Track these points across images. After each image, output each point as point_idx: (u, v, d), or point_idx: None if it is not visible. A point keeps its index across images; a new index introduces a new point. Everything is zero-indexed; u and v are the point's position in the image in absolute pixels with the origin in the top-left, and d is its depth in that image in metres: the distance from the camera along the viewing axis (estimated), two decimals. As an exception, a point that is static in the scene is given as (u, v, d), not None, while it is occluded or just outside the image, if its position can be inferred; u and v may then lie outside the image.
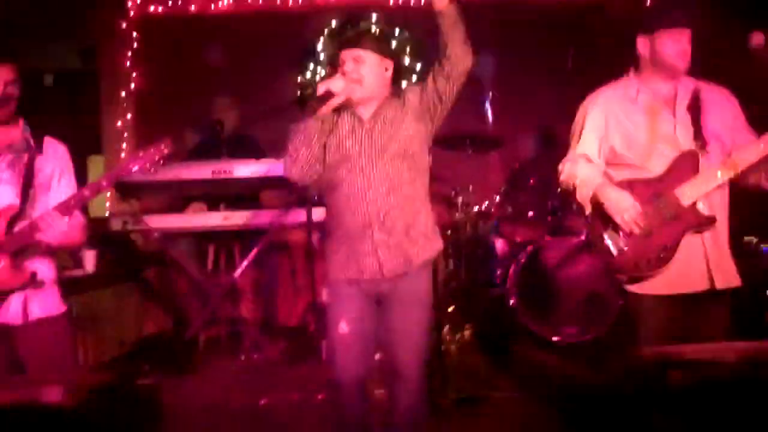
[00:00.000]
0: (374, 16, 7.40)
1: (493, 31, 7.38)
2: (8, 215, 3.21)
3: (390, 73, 3.51)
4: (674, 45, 3.46)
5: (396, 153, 3.40)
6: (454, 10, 3.30)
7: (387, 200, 3.37)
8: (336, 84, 3.34)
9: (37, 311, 3.30)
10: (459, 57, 3.36)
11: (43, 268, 3.35)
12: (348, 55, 3.42)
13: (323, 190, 3.59)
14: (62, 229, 3.18)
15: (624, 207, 3.39)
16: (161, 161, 3.27)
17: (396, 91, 3.55)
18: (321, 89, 3.32)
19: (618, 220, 3.40)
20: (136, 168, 3.24)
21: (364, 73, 3.40)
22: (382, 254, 3.37)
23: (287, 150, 3.42)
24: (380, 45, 3.49)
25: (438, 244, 3.54)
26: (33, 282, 3.25)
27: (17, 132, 3.36)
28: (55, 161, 3.42)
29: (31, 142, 3.36)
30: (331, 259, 3.49)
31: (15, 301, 3.25)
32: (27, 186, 3.29)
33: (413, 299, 3.44)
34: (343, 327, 3.39)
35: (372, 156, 3.39)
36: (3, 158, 3.30)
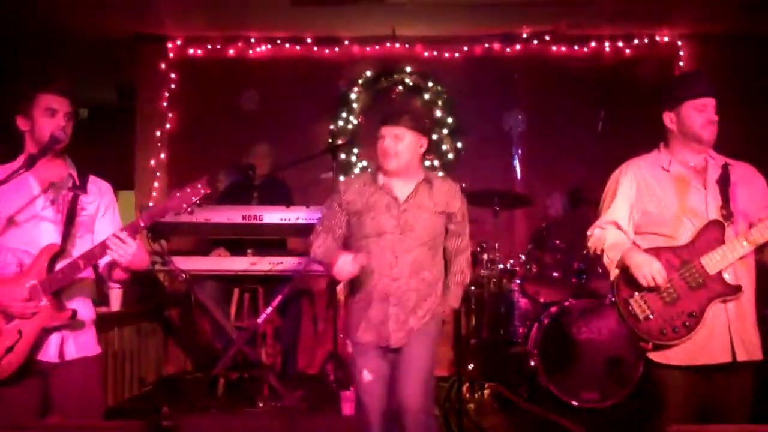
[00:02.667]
0: (408, 68, 7.48)
1: (524, 89, 7.47)
2: (50, 254, 3.23)
3: (424, 149, 3.91)
4: (699, 115, 3.50)
5: (423, 239, 3.80)
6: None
7: (408, 281, 3.77)
8: (348, 271, 3.72)
9: (72, 351, 3.31)
10: None
11: (83, 309, 3.37)
12: (389, 131, 3.82)
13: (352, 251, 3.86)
14: (133, 250, 3.20)
15: (649, 270, 3.38)
16: (198, 201, 3.27)
17: (429, 176, 3.92)
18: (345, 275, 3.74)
19: (643, 282, 3.38)
20: (174, 205, 3.24)
21: (401, 148, 3.80)
22: (392, 326, 3.76)
23: (312, 250, 3.97)
24: (418, 124, 3.87)
25: (439, 316, 3.91)
26: (74, 320, 3.27)
27: (63, 169, 3.41)
28: (99, 200, 3.46)
29: (76, 180, 3.41)
30: (352, 320, 3.90)
31: (53, 340, 3.27)
32: (69, 224, 3.32)
33: (420, 345, 3.80)
34: (367, 375, 3.78)
35: (404, 237, 3.78)
36: (47, 195, 3.33)
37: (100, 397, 3.51)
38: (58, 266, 3.24)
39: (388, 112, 3.96)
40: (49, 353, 3.26)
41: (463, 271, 4.03)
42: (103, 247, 3.20)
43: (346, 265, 3.68)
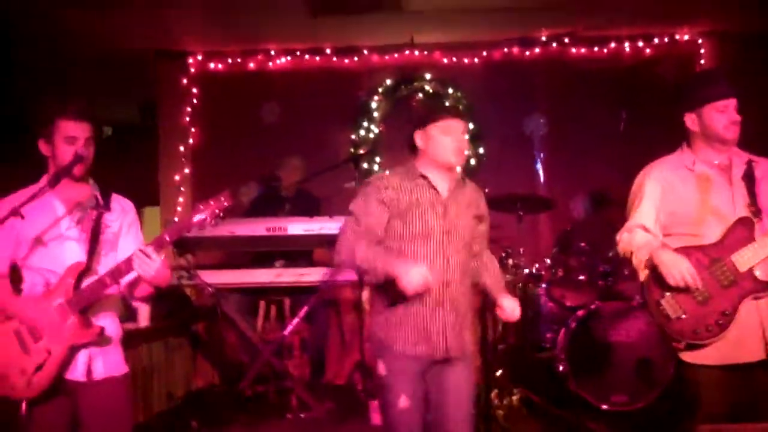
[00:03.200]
0: (427, 75, 7.49)
1: (544, 92, 7.46)
2: (76, 272, 3.26)
3: None
4: (721, 117, 3.49)
5: (465, 239, 3.51)
6: None
7: (459, 286, 3.45)
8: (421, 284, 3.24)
9: (101, 370, 3.33)
10: None
11: (110, 326, 3.39)
12: (461, 125, 3.49)
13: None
14: (157, 265, 3.20)
15: (679, 268, 3.36)
16: (222, 214, 3.27)
17: (461, 175, 3.68)
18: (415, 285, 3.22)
19: (672, 281, 3.37)
20: (197, 219, 3.24)
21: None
22: (450, 335, 3.42)
23: (348, 257, 3.41)
24: None
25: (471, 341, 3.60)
26: (101, 338, 3.29)
27: (87, 189, 3.44)
28: (122, 217, 3.49)
29: (99, 199, 3.44)
30: (395, 332, 3.44)
31: (80, 359, 3.29)
32: (94, 243, 3.35)
33: (468, 371, 3.54)
34: (404, 401, 3.37)
35: (451, 237, 3.45)
36: (73, 216, 3.37)
37: (128, 417, 3.52)
38: (85, 284, 3.27)
39: (444, 105, 3.64)
40: (77, 372, 3.29)
41: (494, 260, 3.80)
42: (128, 263, 3.22)
43: (418, 277, 3.20)
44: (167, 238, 3.27)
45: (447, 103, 7.33)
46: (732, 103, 3.50)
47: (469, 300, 3.57)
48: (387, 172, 3.59)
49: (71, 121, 3.32)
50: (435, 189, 3.49)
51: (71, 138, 3.30)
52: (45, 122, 3.35)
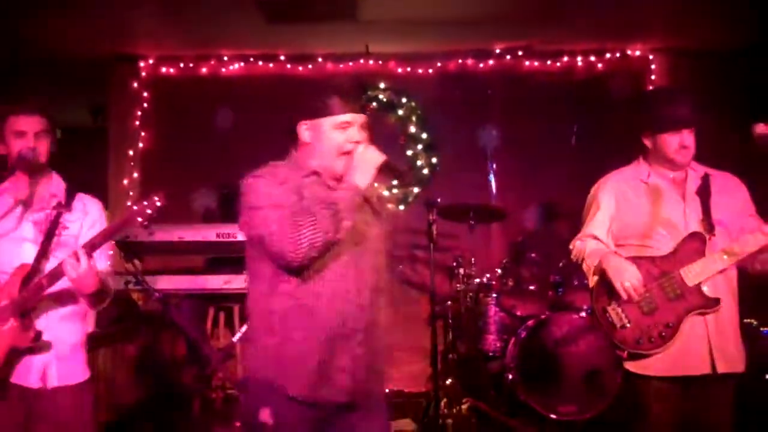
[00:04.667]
0: (381, 84, 7.48)
1: (498, 103, 7.49)
2: (22, 274, 3.19)
3: None
4: (674, 142, 3.52)
5: (379, 249, 2.88)
6: None
7: (374, 308, 2.79)
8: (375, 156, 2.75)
9: (55, 379, 3.25)
10: None
11: (67, 331, 3.31)
12: (358, 120, 2.81)
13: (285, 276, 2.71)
14: (83, 270, 3.06)
15: (625, 274, 3.40)
16: (154, 215, 3.16)
17: None
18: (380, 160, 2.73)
19: (617, 285, 3.40)
20: (128, 221, 3.15)
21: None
22: (356, 373, 2.73)
23: (304, 234, 2.59)
24: None
25: (386, 381, 2.93)
26: (38, 342, 3.18)
27: (47, 187, 3.37)
28: (82, 218, 3.40)
29: (62, 198, 3.36)
30: (288, 370, 2.68)
31: (36, 365, 3.21)
32: (46, 244, 3.26)
33: (377, 419, 2.87)
34: None
35: (363, 250, 2.79)
36: (28, 215, 3.30)
37: (89, 423, 3.42)
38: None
39: (352, 88, 2.85)
40: (31, 379, 3.21)
41: None
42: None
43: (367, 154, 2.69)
44: (98, 240, 3.19)
45: (400, 113, 7.34)
46: (686, 130, 3.53)
47: (386, 332, 2.87)
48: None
49: (20, 116, 3.27)
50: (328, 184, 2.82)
51: (20, 132, 3.25)
52: None
